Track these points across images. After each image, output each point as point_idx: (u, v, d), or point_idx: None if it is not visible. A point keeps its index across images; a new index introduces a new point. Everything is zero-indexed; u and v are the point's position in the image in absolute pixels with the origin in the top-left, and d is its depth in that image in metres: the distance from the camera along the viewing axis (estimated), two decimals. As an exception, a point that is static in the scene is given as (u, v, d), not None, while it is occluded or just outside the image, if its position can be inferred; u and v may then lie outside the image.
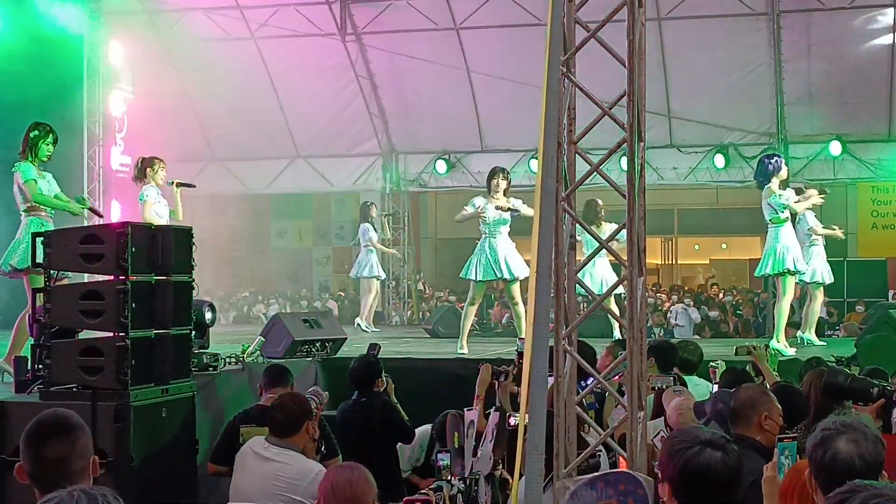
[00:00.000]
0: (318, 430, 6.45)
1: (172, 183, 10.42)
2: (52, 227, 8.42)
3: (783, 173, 11.30)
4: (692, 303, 20.01)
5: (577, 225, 5.02)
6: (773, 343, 10.78)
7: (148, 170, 10.29)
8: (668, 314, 19.05)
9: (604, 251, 5.80)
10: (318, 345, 10.27)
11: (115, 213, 16.19)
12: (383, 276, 17.14)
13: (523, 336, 10.96)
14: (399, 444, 7.86)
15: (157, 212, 10.19)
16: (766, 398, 5.08)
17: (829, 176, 18.26)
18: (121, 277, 6.85)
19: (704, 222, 26.19)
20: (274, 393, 7.00)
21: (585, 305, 11.65)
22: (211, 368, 8.67)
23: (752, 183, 12.24)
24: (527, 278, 11.66)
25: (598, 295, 6.11)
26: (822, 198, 12.33)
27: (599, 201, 12.68)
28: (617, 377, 6.35)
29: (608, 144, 4.96)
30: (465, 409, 5.92)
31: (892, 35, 17.09)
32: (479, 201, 11.42)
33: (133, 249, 6.86)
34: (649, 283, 19.66)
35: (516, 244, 11.57)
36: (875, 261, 20.28)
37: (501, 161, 17.19)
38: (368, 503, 4.25)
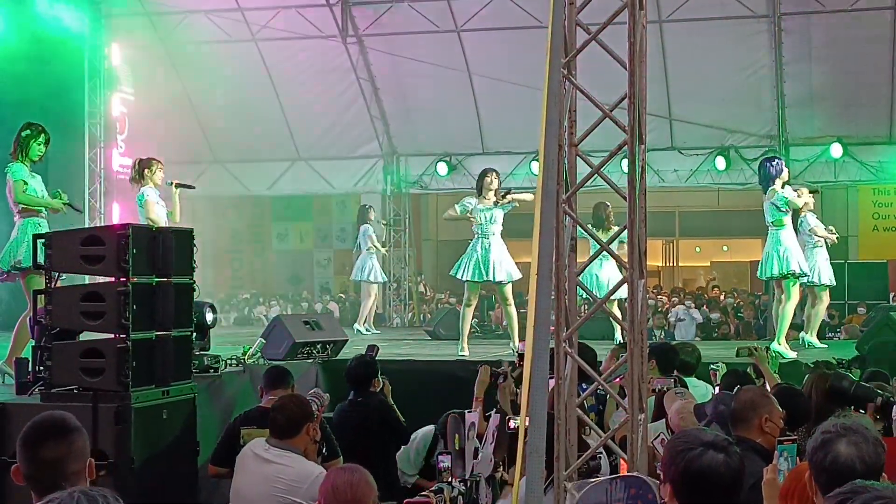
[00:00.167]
0: (319, 432, 6.45)
1: (171, 184, 10.43)
2: (47, 229, 8.44)
3: (785, 175, 11.34)
4: (693, 305, 20.01)
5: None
6: (774, 345, 10.77)
7: (146, 171, 10.30)
8: (669, 315, 19.05)
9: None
10: (318, 347, 10.27)
11: (117, 215, 16.23)
12: (384, 280, 17.15)
13: (516, 337, 11.04)
14: (401, 446, 7.86)
15: (157, 212, 10.19)
16: (767, 400, 5.08)
17: (830, 178, 18.27)
18: (122, 279, 6.84)
19: (705, 224, 26.20)
20: (274, 395, 6.99)
21: (587, 308, 11.66)
22: (212, 370, 8.68)
23: (753, 185, 12.25)
24: (518, 280, 11.71)
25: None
26: (811, 196, 12.29)
27: (609, 204, 12.59)
28: (618, 379, 6.35)
29: (609, 147, 4.96)
30: (466, 411, 5.92)
31: (892, 37, 17.08)
32: (470, 202, 11.44)
33: (134, 251, 6.85)
34: (650, 286, 19.64)
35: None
36: (876, 263, 20.25)
37: (502, 163, 17.25)
38: (369, 505, 4.24)
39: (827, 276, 12.55)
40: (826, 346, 12.63)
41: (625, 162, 5.36)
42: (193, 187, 10.75)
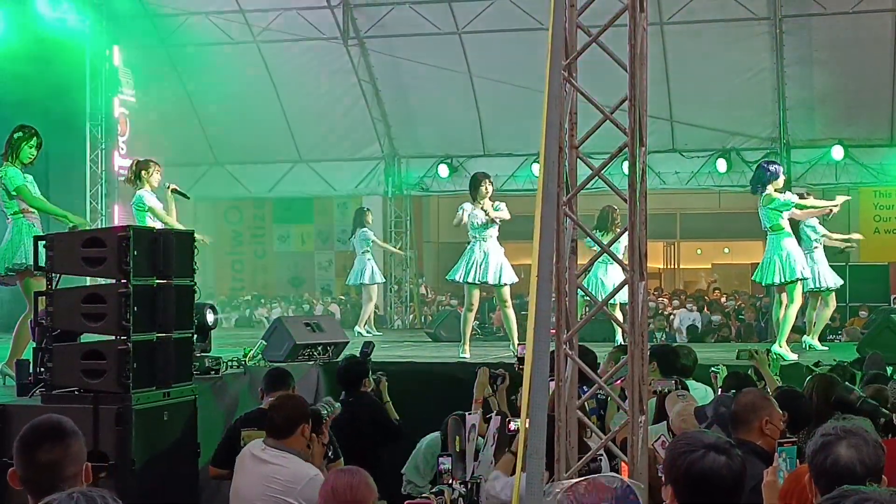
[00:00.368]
0: (327, 436, 6.47)
1: (168, 187, 10.44)
2: (40, 230, 8.44)
3: (780, 182, 11.17)
4: (694, 307, 20.01)
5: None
6: (776, 348, 10.75)
7: (143, 172, 10.30)
8: (671, 318, 19.04)
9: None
10: (319, 348, 10.27)
11: (118, 217, 16.23)
12: (383, 280, 17.14)
13: (515, 339, 11.05)
14: (411, 455, 7.83)
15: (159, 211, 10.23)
16: (767, 403, 5.08)
17: (832, 181, 18.25)
18: (122, 281, 6.84)
19: (707, 227, 26.17)
20: (275, 396, 7.00)
21: (589, 310, 11.66)
22: (213, 372, 8.67)
23: (754, 187, 12.17)
24: (518, 282, 11.72)
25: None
26: (836, 206, 12.19)
27: (616, 207, 12.47)
28: (619, 381, 6.35)
29: (610, 149, 4.97)
30: (467, 413, 5.92)
31: (894, 39, 17.08)
32: (467, 207, 11.52)
33: (135, 253, 6.85)
34: (651, 288, 19.64)
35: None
36: (877, 265, 20.24)
37: (503, 165, 17.29)
38: (369, 507, 4.24)
39: (832, 280, 12.46)
40: (827, 348, 12.61)
41: (626, 164, 5.37)
42: (189, 197, 10.76)
